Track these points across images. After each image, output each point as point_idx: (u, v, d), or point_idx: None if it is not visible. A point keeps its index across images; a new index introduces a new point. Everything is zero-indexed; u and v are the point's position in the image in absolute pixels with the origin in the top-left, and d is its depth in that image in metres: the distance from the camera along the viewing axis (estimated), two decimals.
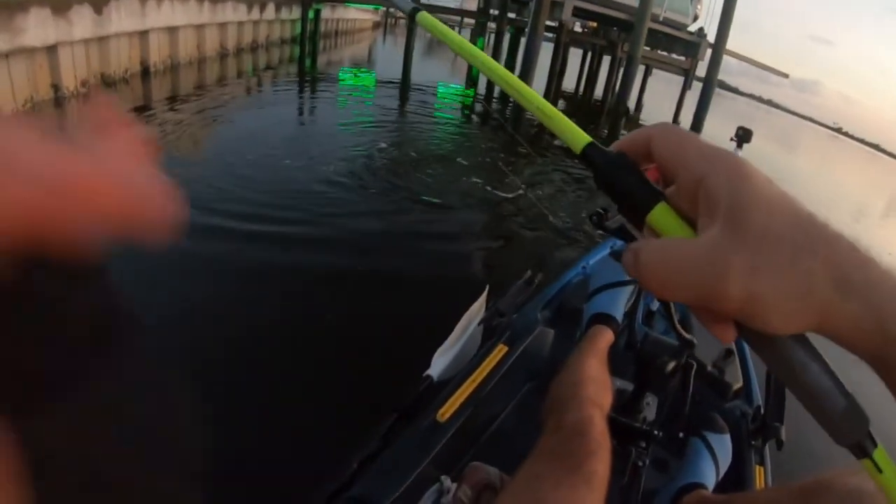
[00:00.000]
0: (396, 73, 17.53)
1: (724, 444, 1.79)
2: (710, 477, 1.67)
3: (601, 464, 0.98)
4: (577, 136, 0.46)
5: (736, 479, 1.86)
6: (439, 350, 2.21)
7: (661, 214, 0.42)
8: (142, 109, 9.59)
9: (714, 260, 0.36)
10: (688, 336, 1.58)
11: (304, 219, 6.03)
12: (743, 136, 2.51)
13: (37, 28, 8.13)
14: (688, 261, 0.37)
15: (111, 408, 0.32)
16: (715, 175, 0.38)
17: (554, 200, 8.04)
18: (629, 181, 0.44)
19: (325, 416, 3.28)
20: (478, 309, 2.48)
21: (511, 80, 0.52)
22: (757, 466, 1.93)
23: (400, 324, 4.37)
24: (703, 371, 1.97)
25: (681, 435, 1.71)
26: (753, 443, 2.00)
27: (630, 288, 1.65)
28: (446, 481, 1.42)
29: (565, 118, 0.47)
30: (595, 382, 1.27)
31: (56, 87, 8.89)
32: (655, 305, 2.73)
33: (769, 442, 2.01)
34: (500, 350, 2.09)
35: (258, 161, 7.54)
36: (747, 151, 2.51)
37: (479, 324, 2.44)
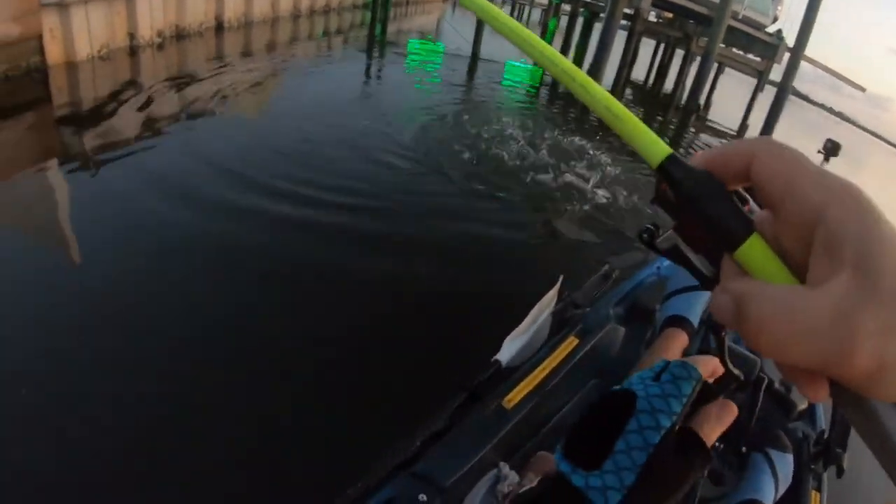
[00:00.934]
0: (464, 46, 17.37)
1: (786, 464, 1.75)
2: (768, 495, 1.65)
3: None
4: (655, 146, 0.40)
5: (791, 501, 1.83)
6: (510, 336, 2.21)
7: (754, 250, 0.36)
8: (215, 63, 9.72)
9: (841, 318, 0.29)
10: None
11: (376, 192, 6.04)
12: (831, 149, 2.43)
13: None
14: (810, 318, 0.30)
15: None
16: (840, 211, 0.31)
17: (631, 189, 7.91)
18: (718, 207, 0.38)
19: (395, 390, 3.36)
20: (550, 299, 2.46)
21: (574, 72, 0.44)
22: (813, 491, 1.89)
23: (474, 306, 4.40)
24: (771, 387, 1.93)
25: (743, 449, 1.66)
26: (813, 466, 1.95)
27: (708, 294, 1.60)
28: (504, 468, 1.40)
29: (640, 123, 0.41)
30: None
31: (132, 36, 9.07)
32: None
33: (829, 468, 1.95)
34: (571, 342, 2.09)
35: (326, 130, 7.55)
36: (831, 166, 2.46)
37: (550, 314, 2.43)
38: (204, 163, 5.63)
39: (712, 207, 0.38)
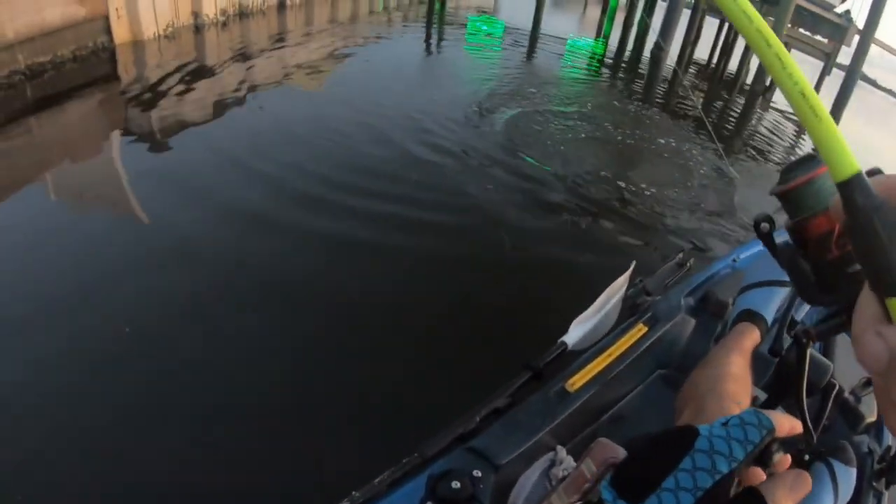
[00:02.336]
0: (523, 23, 17.19)
1: (848, 478, 1.64)
2: None
3: None
4: (844, 158, 0.38)
5: None
6: (578, 319, 2.19)
7: None
8: (278, 40, 9.79)
9: None
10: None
11: (447, 173, 5.98)
12: None
13: None
14: None
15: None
16: None
17: (706, 184, 7.74)
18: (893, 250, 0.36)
19: (462, 364, 3.35)
20: (621, 284, 2.43)
21: (771, 38, 0.41)
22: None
23: (545, 286, 4.35)
24: (841, 396, 1.85)
25: (806, 458, 1.60)
26: (875, 484, 1.86)
27: (786, 290, 1.53)
28: (561, 452, 1.42)
29: (835, 128, 0.38)
30: (737, 381, 1.20)
31: (196, 14, 9.16)
32: (800, 317, 2.60)
33: (893, 487, 1.87)
34: (639, 330, 2.04)
35: (387, 110, 7.41)
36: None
37: (620, 299, 2.40)
38: (264, 142, 5.63)
39: (888, 248, 0.36)
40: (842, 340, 2.17)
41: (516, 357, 1.99)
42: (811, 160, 0.88)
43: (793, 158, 9.68)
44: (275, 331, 3.46)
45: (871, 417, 1.97)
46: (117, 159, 5.19)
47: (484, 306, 3.96)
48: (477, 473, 1.38)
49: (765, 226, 1.12)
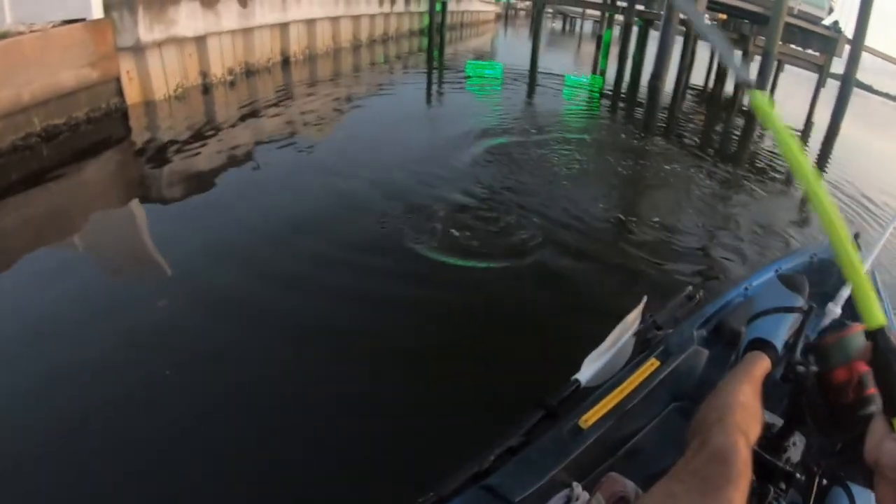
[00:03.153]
0: (520, 63, 17.47)
1: (867, 502, 1.64)
2: None
3: (739, 493, 0.94)
4: (874, 314, 0.49)
5: None
6: (590, 356, 2.19)
7: None
8: (284, 96, 9.98)
9: None
10: None
11: (456, 210, 6.03)
12: None
13: (188, 20, 8.63)
14: None
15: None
16: None
17: (713, 210, 7.75)
18: None
19: (475, 403, 3.32)
20: (633, 319, 2.42)
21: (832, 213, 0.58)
22: None
23: (556, 324, 4.30)
24: None
25: (824, 482, 1.53)
26: None
27: (795, 316, 1.52)
28: (577, 488, 1.42)
29: (868, 282, 0.51)
30: (745, 410, 1.20)
31: (204, 74, 9.41)
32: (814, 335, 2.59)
33: None
34: (652, 364, 2.03)
35: (392, 159, 7.56)
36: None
37: (632, 335, 2.39)
38: (276, 198, 5.71)
39: None
40: None
41: (530, 395, 2.00)
42: (840, 326, 1.15)
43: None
44: (289, 373, 3.50)
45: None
46: (134, 217, 5.30)
47: (496, 347, 3.94)
48: None
49: (801, 368, 1.30)
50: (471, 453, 1.65)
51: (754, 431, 1.16)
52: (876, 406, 1.05)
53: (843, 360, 1.11)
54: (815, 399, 1.21)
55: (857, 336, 1.10)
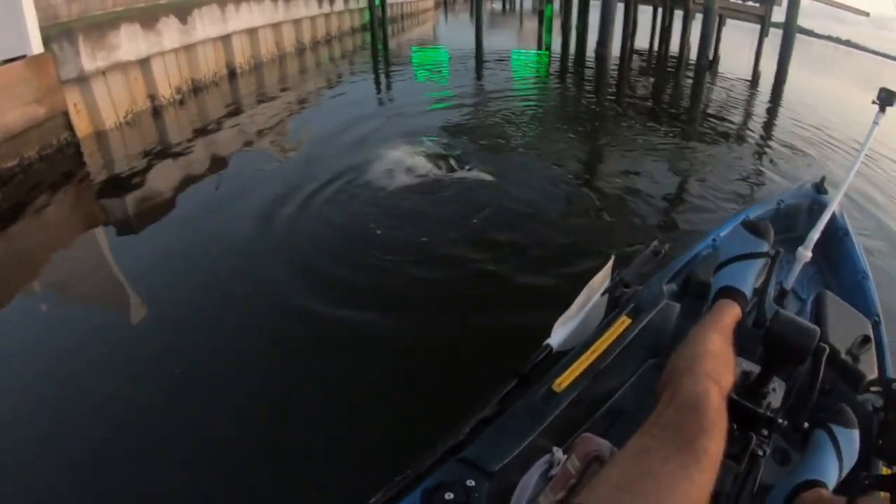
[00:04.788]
0: (464, 47, 17.50)
1: (850, 441, 1.62)
2: (831, 475, 1.54)
3: (714, 442, 0.91)
4: None
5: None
6: (560, 319, 2.18)
7: None
8: (233, 109, 9.87)
9: None
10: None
11: (420, 190, 6.19)
12: (886, 98, 2.34)
13: (129, 43, 8.48)
14: None
15: None
16: None
17: (673, 165, 7.82)
18: None
19: (445, 376, 3.39)
20: (602, 279, 2.41)
21: None
22: (885, 470, 1.75)
23: (524, 291, 4.35)
24: (836, 358, 1.84)
25: (805, 425, 1.55)
26: None
27: (762, 261, 1.48)
28: (557, 452, 1.43)
29: None
30: (716, 357, 1.16)
31: (152, 97, 9.26)
32: (789, 284, 2.56)
33: None
34: (623, 322, 2.02)
35: (356, 149, 7.64)
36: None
37: (602, 294, 2.38)
38: (238, 214, 5.65)
39: None
40: (832, 306, 2.21)
41: (504, 366, 1.99)
42: None
43: (747, 122, 9.85)
44: (262, 372, 3.56)
45: (872, 375, 1.95)
46: (98, 250, 5.22)
47: (465, 323, 3.97)
48: (470, 483, 1.41)
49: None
50: (447, 428, 1.65)
51: (727, 378, 1.14)
52: None
53: None
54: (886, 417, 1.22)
55: None
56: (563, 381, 1.74)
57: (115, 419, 3.16)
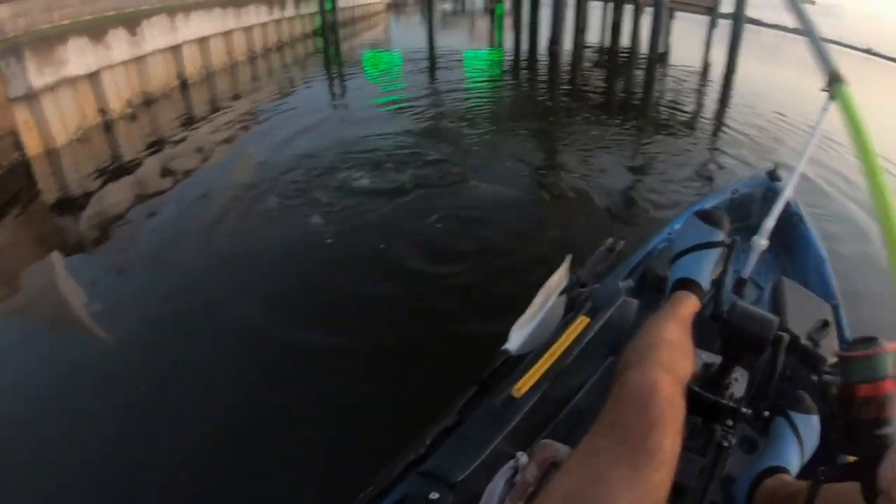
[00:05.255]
0: (417, 48, 17.49)
1: (810, 426, 1.66)
2: (793, 460, 1.57)
3: (667, 437, 0.85)
4: None
5: (827, 462, 1.70)
6: (517, 323, 2.17)
7: None
8: (186, 121, 9.75)
9: None
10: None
11: (368, 195, 6.20)
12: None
13: (78, 57, 8.32)
14: None
15: None
16: None
17: (627, 159, 7.92)
18: None
19: (403, 388, 3.37)
20: (559, 279, 2.40)
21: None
22: (851, 458, 1.75)
23: (480, 296, 4.33)
24: (796, 344, 1.84)
25: (766, 414, 1.52)
26: None
27: (718, 251, 1.45)
28: (522, 458, 1.41)
29: None
30: (671, 346, 1.11)
31: (103, 112, 9.07)
32: (747, 273, 2.59)
33: None
34: (581, 322, 2.01)
35: (308, 157, 7.63)
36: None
37: (560, 295, 2.36)
38: (192, 231, 5.61)
39: None
40: (790, 292, 2.26)
41: (463, 376, 1.97)
42: (871, 341, 1.19)
43: (701, 115, 9.99)
44: (216, 388, 3.55)
45: (833, 358, 2.01)
46: (52, 271, 5.10)
47: (420, 335, 3.96)
48: (434, 496, 1.41)
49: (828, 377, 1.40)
50: (407, 442, 1.65)
51: (684, 367, 1.10)
52: (894, 428, 1.11)
53: (870, 378, 1.16)
54: (836, 409, 1.25)
55: (888, 356, 1.15)
56: (523, 385, 1.74)
57: (76, 442, 3.13)
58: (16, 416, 3.35)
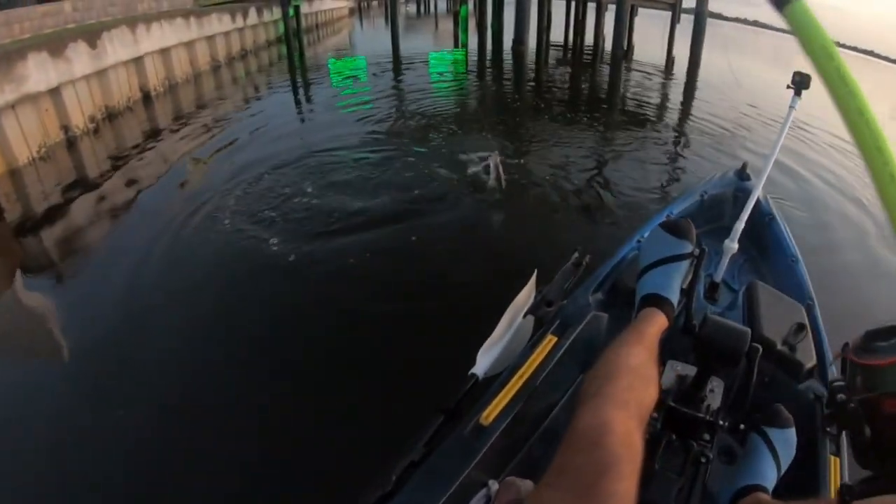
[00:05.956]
0: (381, 52, 17.50)
1: (786, 440, 1.62)
2: (769, 477, 1.56)
3: (621, 482, 0.77)
4: None
5: (808, 471, 1.72)
6: (484, 346, 2.08)
7: None
8: (151, 134, 9.62)
9: None
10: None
11: (329, 209, 6.12)
12: (801, 82, 2.38)
13: (38, 73, 8.14)
14: None
15: None
16: None
17: (594, 162, 7.92)
18: None
19: (367, 420, 3.25)
20: (525, 297, 2.33)
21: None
22: (832, 457, 1.77)
23: (443, 320, 4.21)
24: (772, 351, 1.88)
25: (741, 427, 1.51)
26: (828, 429, 1.80)
27: (686, 263, 1.39)
28: (493, 486, 1.36)
29: None
30: (632, 373, 1.04)
31: (66, 128, 8.89)
32: (719, 277, 2.60)
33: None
34: (549, 341, 1.96)
35: (273, 168, 7.57)
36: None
37: (526, 314, 2.28)
38: (162, 248, 5.50)
39: None
40: (764, 295, 2.25)
41: (428, 402, 1.89)
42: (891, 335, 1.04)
43: (664, 110, 10.03)
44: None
45: (811, 363, 2.00)
46: (16, 294, 4.99)
47: (382, 359, 3.84)
48: None
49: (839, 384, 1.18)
50: (372, 475, 1.57)
51: (648, 397, 1.03)
52: None
53: None
54: (857, 422, 1.10)
55: None
56: (492, 411, 1.69)
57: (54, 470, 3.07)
58: None
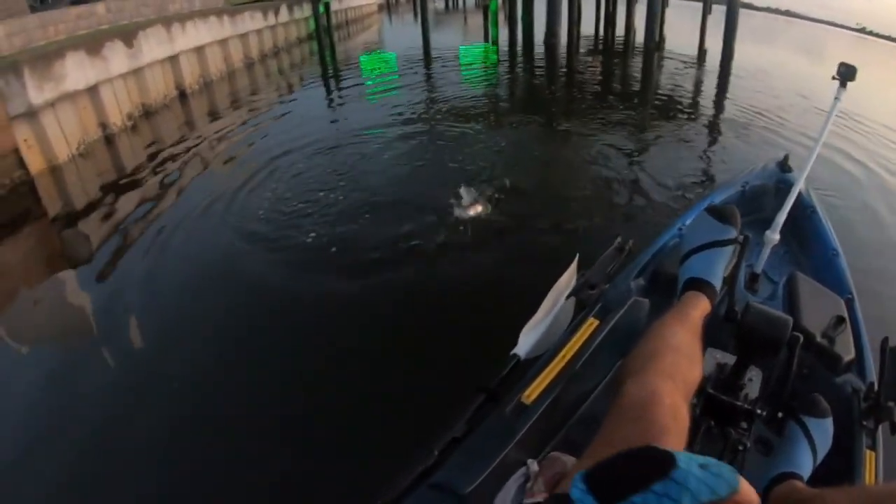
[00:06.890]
0: (412, 48, 17.51)
1: (823, 430, 1.61)
2: (805, 466, 1.53)
3: None
4: None
5: (843, 463, 1.69)
6: (526, 327, 2.10)
7: None
8: (187, 131, 9.72)
9: None
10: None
11: (373, 200, 6.16)
12: (846, 73, 2.32)
13: (76, 72, 8.28)
14: None
15: None
16: None
17: (632, 153, 7.83)
18: None
19: (411, 398, 3.27)
20: (567, 280, 2.34)
21: None
22: (868, 451, 1.73)
23: (487, 301, 4.24)
24: (812, 342, 1.85)
25: (779, 415, 1.51)
26: (865, 423, 1.78)
27: (730, 248, 1.38)
28: (532, 465, 1.37)
29: None
30: (677, 353, 1.05)
31: (104, 126, 9.04)
32: (760, 268, 2.56)
33: (882, 424, 1.77)
34: (591, 324, 1.95)
35: (311, 161, 7.63)
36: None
37: (569, 296, 2.30)
38: (204, 245, 5.56)
39: None
40: (804, 287, 2.22)
41: (471, 381, 1.91)
42: None
43: (699, 100, 9.98)
44: (220, 398, 3.50)
45: (849, 356, 1.95)
46: (62, 288, 5.04)
47: (429, 339, 3.88)
48: None
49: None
50: (415, 452, 1.59)
51: (690, 374, 1.03)
52: None
53: None
54: None
55: None
56: (533, 392, 1.68)
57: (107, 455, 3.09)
58: (27, 429, 3.33)
